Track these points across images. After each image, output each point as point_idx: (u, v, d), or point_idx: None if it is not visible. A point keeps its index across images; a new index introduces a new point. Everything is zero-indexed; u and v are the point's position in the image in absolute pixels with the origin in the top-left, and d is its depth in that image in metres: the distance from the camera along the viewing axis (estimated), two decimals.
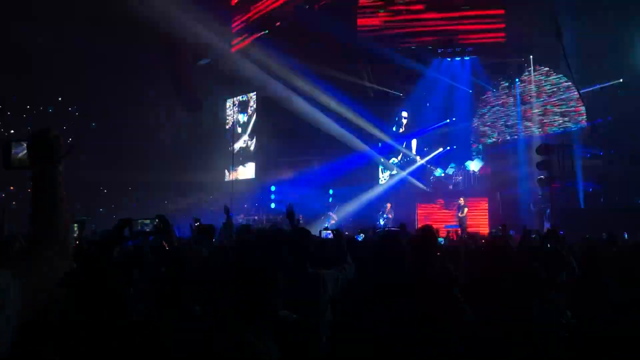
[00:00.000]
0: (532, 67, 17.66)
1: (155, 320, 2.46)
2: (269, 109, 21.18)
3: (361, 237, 7.79)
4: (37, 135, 1.44)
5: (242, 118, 23.68)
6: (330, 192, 19.12)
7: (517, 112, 18.12)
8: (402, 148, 19.36)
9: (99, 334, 2.11)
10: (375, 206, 17.53)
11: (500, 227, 7.20)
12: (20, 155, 1.46)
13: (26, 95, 19.17)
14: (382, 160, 19.56)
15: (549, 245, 4.45)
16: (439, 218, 17.12)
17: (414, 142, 19.00)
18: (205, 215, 10.24)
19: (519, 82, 18.07)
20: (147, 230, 2.68)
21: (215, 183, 22.09)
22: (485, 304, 2.83)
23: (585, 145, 16.33)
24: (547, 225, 12.53)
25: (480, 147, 18.79)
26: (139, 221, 2.71)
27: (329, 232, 4.19)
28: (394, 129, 19.84)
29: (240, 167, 23.05)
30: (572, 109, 17.12)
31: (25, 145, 1.46)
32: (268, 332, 1.99)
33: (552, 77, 17.47)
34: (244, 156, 23.22)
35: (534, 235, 5.89)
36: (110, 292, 2.28)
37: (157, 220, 2.68)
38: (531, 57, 17.45)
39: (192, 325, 2.40)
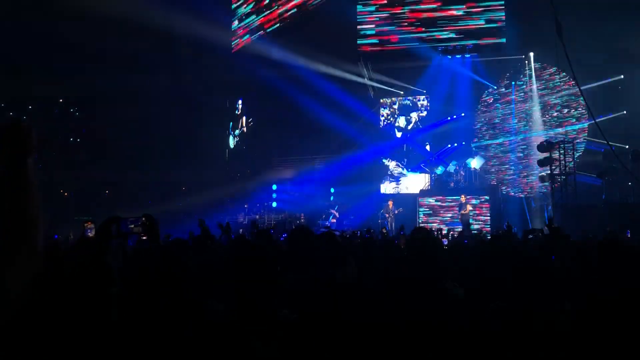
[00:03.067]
0: (532, 64, 17.65)
1: (141, 321, 2.44)
2: (269, 107, 21.18)
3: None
4: (8, 126, 1.35)
5: (244, 117, 23.72)
6: (332, 190, 19.14)
7: (518, 109, 18.12)
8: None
9: (80, 334, 2.10)
10: (377, 204, 17.53)
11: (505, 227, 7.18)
12: None
13: (27, 95, 19.20)
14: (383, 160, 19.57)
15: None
16: (440, 215, 17.15)
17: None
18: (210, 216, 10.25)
19: (519, 79, 18.06)
20: (134, 228, 2.64)
21: (217, 183, 22.10)
22: (488, 300, 2.85)
23: (586, 141, 16.36)
24: (547, 217, 12.55)
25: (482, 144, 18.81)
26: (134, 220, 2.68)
27: (337, 231, 4.14)
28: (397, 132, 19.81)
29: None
30: (573, 105, 17.12)
31: None
32: (267, 332, 2.00)
33: (553, 74, 17.46)
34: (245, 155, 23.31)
35: (530, 236, 5.90)
36: (94, 291, 2.26)
37: (143, 218, 2.64)
38: (532, 54, 17.44)
39: (189, 325, 2.40)
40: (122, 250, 2.78)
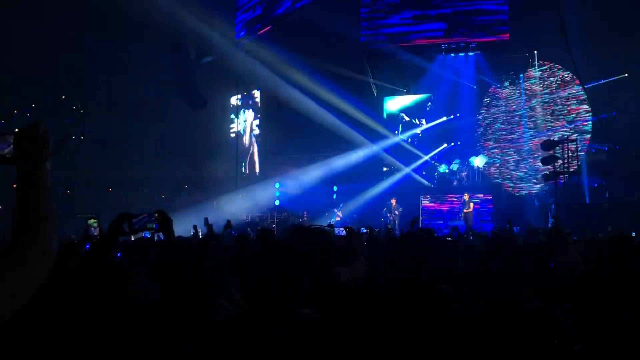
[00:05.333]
0: (536, 62, 17.59)
1: (158, 316, 2.45)
2: (273, 105, 21.19)
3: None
4: (25, 130, 1.34)
5: (246, 115, 23.73)
6: (335, 188, 19.12)
7: (521, 107, 18.07)
8: (409, 146, 19.32)
9: (97, 331, 2.10)
10: (380, 202, 17.52)
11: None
12: (6, 150, 1.35)
13: (30, 92, 19.24)
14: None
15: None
16: (443, 214, 17.17)
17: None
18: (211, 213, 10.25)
19: (523, 78, 18.00)
20: (147, 225, 2.65)
21: (219, 180, 22.15)
22: (483, 297, 2.84)
23: (590, 140, 16.31)
24: (551, 221, 12.52)
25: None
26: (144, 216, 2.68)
27: (342, 229, 4.14)
28: (398, 133, 19.74)
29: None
30: (577, 104, 17.06)
31: (11, 140, 1.35)
32: (288, 331, 1.98)
33: (557, 72, 17.41)
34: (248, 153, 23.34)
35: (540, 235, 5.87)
36: (109, 288, 2.27)
37: (156, 214, 2.65)
38: (535, 52, 17.38)
39: (206, 322, 2.39)
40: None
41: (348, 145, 19.03)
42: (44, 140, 1.35)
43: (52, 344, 2.01)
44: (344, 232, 4.13)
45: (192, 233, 8.10)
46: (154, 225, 2.60)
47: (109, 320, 2.19)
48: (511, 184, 18.00)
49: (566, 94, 17.22)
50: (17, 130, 1.36)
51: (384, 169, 19.35)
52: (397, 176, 18.88)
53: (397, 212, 16.26)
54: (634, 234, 8.33)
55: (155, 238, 4.78)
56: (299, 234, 3.51)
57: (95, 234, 4.18)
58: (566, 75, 17.09)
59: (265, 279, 2.07)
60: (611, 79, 15.47)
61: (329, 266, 3.07)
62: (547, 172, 14.69)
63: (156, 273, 3.28)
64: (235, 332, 1.98)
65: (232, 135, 24.00)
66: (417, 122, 19.35)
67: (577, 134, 16.18)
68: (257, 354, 1.88)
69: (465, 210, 15.63)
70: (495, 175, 18.31)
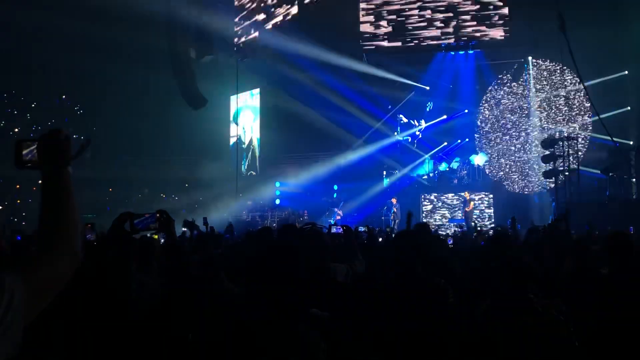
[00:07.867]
0: (536, 61, 17.57)
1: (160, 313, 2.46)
2: (273, 104, 21.18)
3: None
4: (48, 136, 1.42)
5: (247, 114, 23.72)
6: (335, 187, 19.10)
7: (522, 105, 18.05)
8: (413, 147, 19.29)
9: (101, 330, 2.12)
10: (380, 201, 17.51)
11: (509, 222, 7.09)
12: (30, 155, 1.43)
13: (30, 92, 19.24)
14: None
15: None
16: (444, 212, 17.17)
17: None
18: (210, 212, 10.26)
19: (523, 75, 17.98)
20: (149, 225, 2.67)
21: (220, 180, 22.12)
22: (482, 297, 2.85)
23: (590, 137, 16.30)
24: (551, 218, 12.51)
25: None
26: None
27: (339, 227, 4.17)
28: (396, 132, 19.68)
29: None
30: (577, 102, 17.05)
31: (35, 145, 1.43)
32: (311, 328, 2.01)
33: (557, 70, 17.39)
34: (249, 152, 23.32)
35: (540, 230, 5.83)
36: (111, 287, 2.28)
37: (158, 214, 2.67)
38: (535, 50, 17.36)
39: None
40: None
41: (348, 144, 19.00)
42: (65, 145, 1.42)
43: (56, 340, 2.02)
44: (341, 229, 4.15)
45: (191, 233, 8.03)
46: (156, 225, 2.62)
47: (112, 318, 2.20)
48: (511, 182, 17.98)
49: (566, 91, 17.20)
50: (39, 136, 1.43)
51: (384, 172, 19.33)
52: (397, 175, 18.85)
53: (395, 210, 16.23)
54: (631, 230, 8.32)
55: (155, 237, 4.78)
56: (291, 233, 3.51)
57: (92, 238, 4.19)
58: (566, 72, 17.07)
59: (271, 278, 2.08)
60: (611, 76, 15.47)
61: (326, 264, 3.08)
62: (547, 169, 14.69)
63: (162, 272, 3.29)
64: (268, 326, 1.99)
65: (233, 134, 23.98)
66: (416, 124, 19.30)
67: (577, 132, 16.16)
68: (293, 343, 1.91)
69: (466, 209, 15.61)
70: (496, 173, 18.29)
